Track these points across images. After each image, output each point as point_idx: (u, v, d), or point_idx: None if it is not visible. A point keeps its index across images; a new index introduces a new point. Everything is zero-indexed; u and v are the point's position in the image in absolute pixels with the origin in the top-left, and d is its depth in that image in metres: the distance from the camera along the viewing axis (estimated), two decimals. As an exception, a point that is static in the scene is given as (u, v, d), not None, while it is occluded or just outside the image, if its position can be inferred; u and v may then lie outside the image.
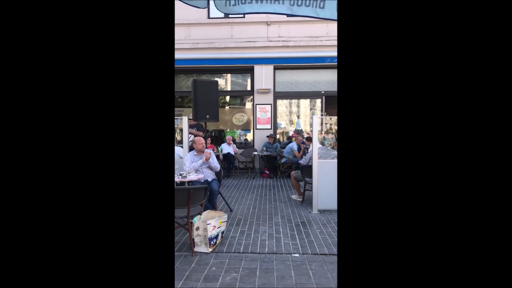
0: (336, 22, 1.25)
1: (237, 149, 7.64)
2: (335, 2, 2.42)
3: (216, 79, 7.45)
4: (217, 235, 2.94)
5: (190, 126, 6.39)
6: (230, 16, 7.47)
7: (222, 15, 7.50)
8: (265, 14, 7.01)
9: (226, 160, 7.14)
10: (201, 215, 2.98)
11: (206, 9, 7.69)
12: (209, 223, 2.82)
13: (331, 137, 7.55)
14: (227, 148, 7.25)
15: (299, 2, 2.48)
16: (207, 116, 4.42)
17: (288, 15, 2.59)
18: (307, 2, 2.49)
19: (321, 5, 2.46)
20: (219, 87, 5.24)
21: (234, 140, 7.89)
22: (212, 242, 2.84)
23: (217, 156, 6.04)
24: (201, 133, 6.73)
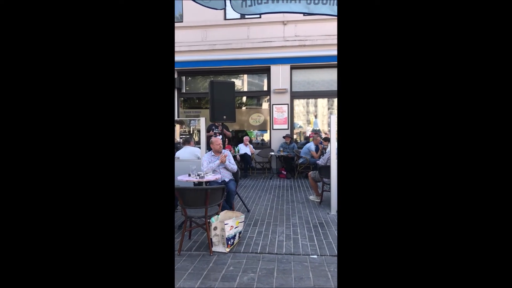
0: None
1: (253, 149, 7.64)
2: None
3: (232, 80, 7.50)
4: (235, 235, 2.96)
5: (215, 126, 6.47)
6: (247, 16, 7.50)
7: (238, 16, 7.54)
8: (282, 14, 6.99)
9: (243, 161, 7.17)
10: (218, 215, 3.00)
11: (222, 11, 7.75)
12: (227, 223, 2.84)
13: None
14: (244, 148, 7.28)
15: (316, 1, 2.45)
16: (224, 117, 4.45)
17: (305, 14, 2.56)
18: (324, 0, 2.46)
19: (338, 3, 2.42)
20: (235, 88, 5.26)
21: (250, 141, 7.91)
22: (229, 242, 2.85)
23: (234, 157, 6.07)
24: (229, 134, 6.87)
